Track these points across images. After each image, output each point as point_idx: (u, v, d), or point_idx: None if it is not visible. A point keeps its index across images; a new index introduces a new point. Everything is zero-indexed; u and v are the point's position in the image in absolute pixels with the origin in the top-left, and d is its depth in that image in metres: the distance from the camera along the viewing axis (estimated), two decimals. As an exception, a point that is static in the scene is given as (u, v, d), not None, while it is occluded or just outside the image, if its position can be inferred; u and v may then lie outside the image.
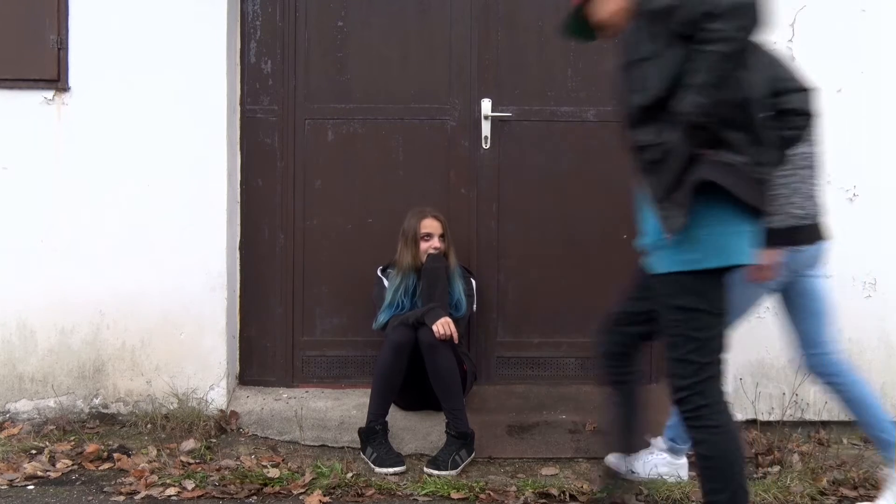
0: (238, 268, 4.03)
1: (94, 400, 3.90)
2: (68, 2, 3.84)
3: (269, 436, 3.62)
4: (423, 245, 3.68)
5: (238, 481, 3.17)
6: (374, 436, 3.42)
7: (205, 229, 3.87)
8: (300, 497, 3.11)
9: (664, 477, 3.20)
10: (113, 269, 3.86)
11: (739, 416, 3.87)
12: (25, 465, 3.34)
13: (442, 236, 3.69)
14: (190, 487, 3.16)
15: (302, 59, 4.08)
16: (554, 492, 3.15)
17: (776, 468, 3.40)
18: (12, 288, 3.87)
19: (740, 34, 1.94)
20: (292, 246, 4.06)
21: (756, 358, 3.90)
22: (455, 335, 3.43)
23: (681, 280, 2.17)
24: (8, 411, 3.88)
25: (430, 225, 3.70)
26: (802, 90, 2.51)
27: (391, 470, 3.33)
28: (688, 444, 3.11)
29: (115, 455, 3.47)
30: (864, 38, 3.87)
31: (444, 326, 3.42)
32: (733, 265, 2.19)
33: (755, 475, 3.35)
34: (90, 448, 3.50)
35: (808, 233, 2.90)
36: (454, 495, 3.14)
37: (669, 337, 2.26)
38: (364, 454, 3.43)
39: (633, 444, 2.87)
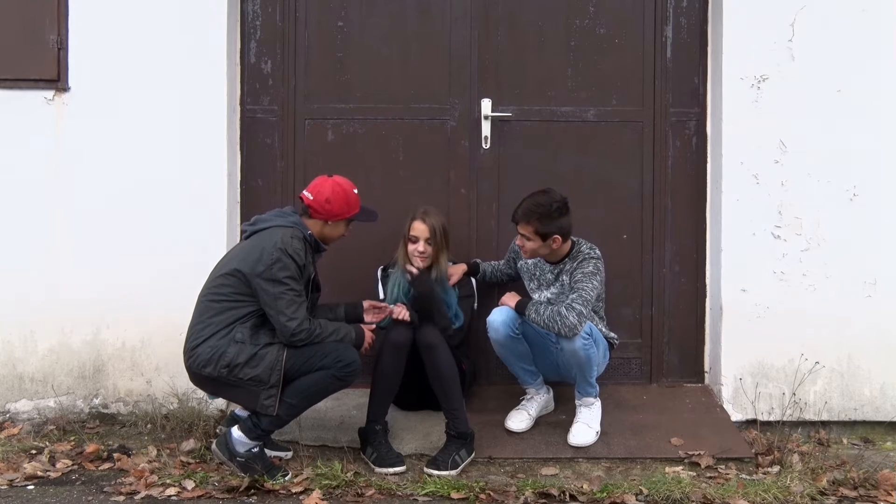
0: (238, 268, 4.02)
1: (94, 400, 3.90)
2: (68, 2, 3.84)
3: (268, 436, 3.62)
4: (410, 247, 3.67)
5: (237, 481, 3.17)
6: (374, 436, 3.42)
7: (205, 229, 3.87)
8: (300, 497, 3.11)
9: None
10: (113, 268, 3.86)
11: (739, 415, 3.88)
12: (25, 465, 3.34)
13: (428, 240, 3.65)
14: (190, 487, 3.16)
15: (302, 59, 4.08)
16: (554, 492, 3.15)
17: (776, 468, 3.40)
18: (12, 288, 3.87)
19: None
20: (292, 246, 4.05)
21: (756, 358, 3.89)
22: (407, 316, 3.49)
23: None
24: (8, 411, 3.88)
25: (418, 228, 3.66)
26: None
27: (391, 470, 3.32)
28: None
29: (115, 455, 3.47)
30: (864, 38, 3.87)
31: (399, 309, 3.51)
32: None
33: (755, 475, 3.35)
34: (90, 448, 3.50)
35: None
36: (454, 495, 3.14)
37: None
38: (364, 454, 3.43)
39: None
